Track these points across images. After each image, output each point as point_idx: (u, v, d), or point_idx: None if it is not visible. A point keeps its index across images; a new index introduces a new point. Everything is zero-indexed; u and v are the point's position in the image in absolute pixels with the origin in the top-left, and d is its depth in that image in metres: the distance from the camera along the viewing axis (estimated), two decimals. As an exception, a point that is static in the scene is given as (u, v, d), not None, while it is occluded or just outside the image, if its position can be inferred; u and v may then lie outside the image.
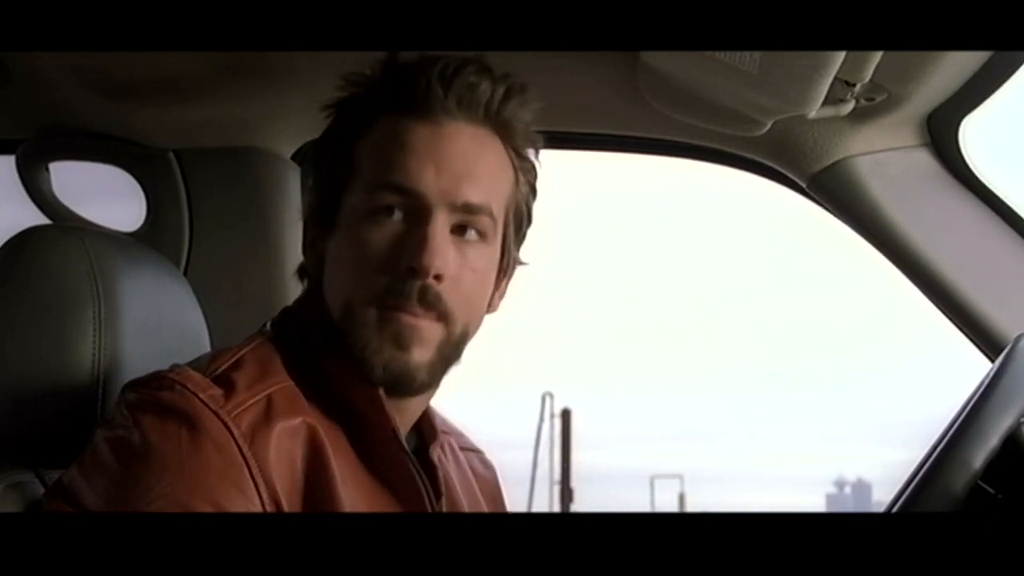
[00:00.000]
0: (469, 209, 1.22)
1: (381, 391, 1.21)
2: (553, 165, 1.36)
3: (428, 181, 1.20)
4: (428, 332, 1.21)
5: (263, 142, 1.91)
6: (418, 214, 1.21)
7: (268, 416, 1.17)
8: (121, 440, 1.14)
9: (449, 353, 1.24)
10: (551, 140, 1.37)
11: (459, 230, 1.23)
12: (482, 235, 1.24)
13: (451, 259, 1.21)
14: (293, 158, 1.95)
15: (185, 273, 1.88)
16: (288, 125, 1.88)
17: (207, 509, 1.09)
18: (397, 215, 1.21)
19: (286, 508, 1.15)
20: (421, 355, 1.21)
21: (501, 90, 1.24)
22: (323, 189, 1.28)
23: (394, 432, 1.22)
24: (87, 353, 1.31)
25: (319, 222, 1.28)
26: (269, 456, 1.15)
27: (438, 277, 1.20)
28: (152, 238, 1.90)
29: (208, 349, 1.52)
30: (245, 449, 1.13)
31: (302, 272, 1.32)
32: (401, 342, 1.20)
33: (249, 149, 1.91)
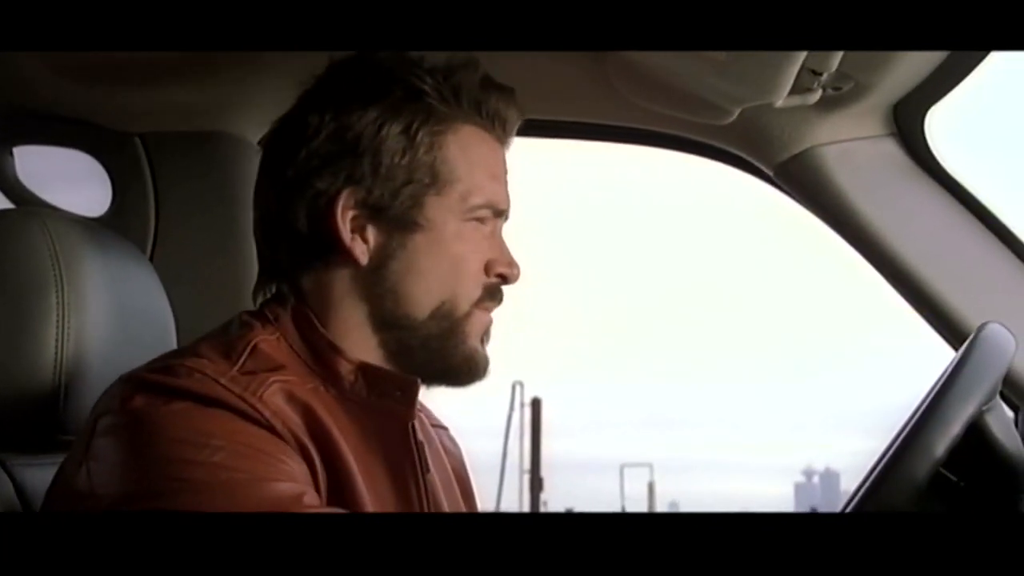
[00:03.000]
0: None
1: (418, 381, 1.28)
2: (520, 153, 1.40)
3: (508, 200, 1.35)
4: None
5: (230, 127, 1.90)
6: (497, 225, 1.34)
7: (290, 396, 1.20)
8: (147, 429, 1.13)
9: None
10: (519, 127, 1.38)
11: None
12: None
13: None
14: (260, 143, 1.93)
15: (151, 259, 1.86)
16: (255, 110, 1.87)
17: (254, 479, 1.11)
18: (487, 225, 1.32)
19: (321, 483, 1.18)
20: None
21: None
22: (387, 179, 1.28)
23: (412, 429, 1.27)
24: (50, 339, 1.30)
25: (381, 211, 1.28)
26: (297, 432, 1.18)
27: None
28: (118, 223, 1.88)
29: (174, 335, 1.51)
30: (278, 425, 1.16)
31: (267, 274, 1.33)
32: (485, 339, 1.33)
33: (216, 134, 1.90)
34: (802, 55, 1.39)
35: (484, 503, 1.56)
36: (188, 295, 1.69)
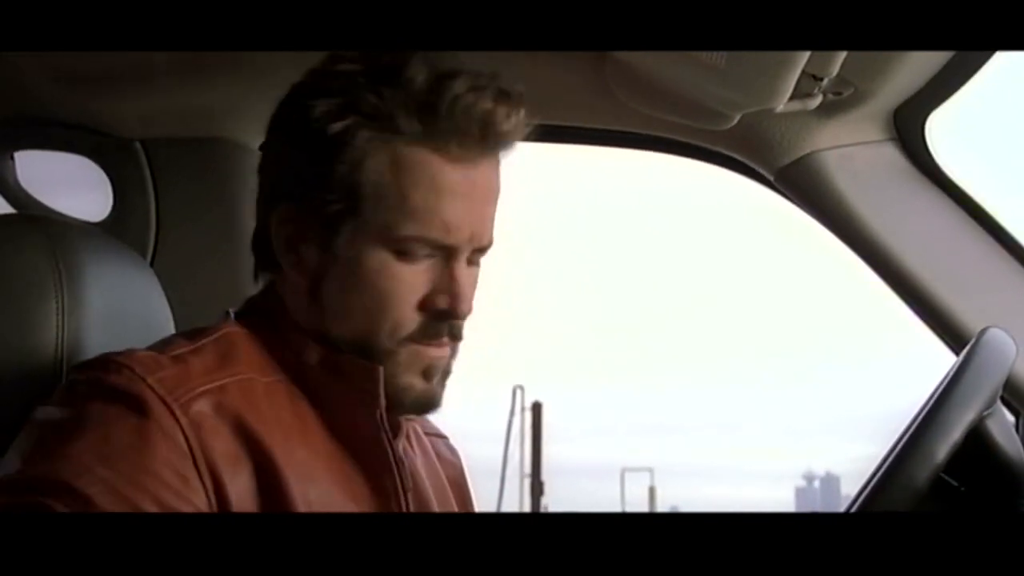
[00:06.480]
0: (483, 250, 1.25)
1: (381, 370, 1.21)
2: (522, 158, 1.36)
3: (462, 233, 1.21)
4: (447, 359, 1.26)
5: (230, 133, 1.90)
6: (447, 258, 1.22)
7: (220, 405, 1.16)
8: (63, 423, 1.12)
9: (452, 365, 1.28)
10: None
11: (470, 261, 1.25)
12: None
13: (472, 294, 1.24)
14: (261, 148, 1.93)
15: (152, 264, 1.87)
16: (255, 116, 1.85)
17: (147, 500, 1.08)
18: (426, 258, 1.21)
19: (233, 503, 1.13)
20: (439, 380, 1.26)
21: (517, 117, 1.22)
22: (313, 204, 1.21)
23: (381, 419, 1.22)
24: (50, 344, 1.30)
25: (307, 232, 1.23)
26: (216, 446, 1.13)
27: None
28: (119, 228, 1.89)
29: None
30: (191, 437, 1.12)
31: (264, 266, 1.30)
32: (429, 375, 1.24)
33: (216, 139, 1.90)
34: (802, 60, 1.39)
35: (485, 508, 1.55)
36: (188, 300, 1.69)
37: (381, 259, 1.20)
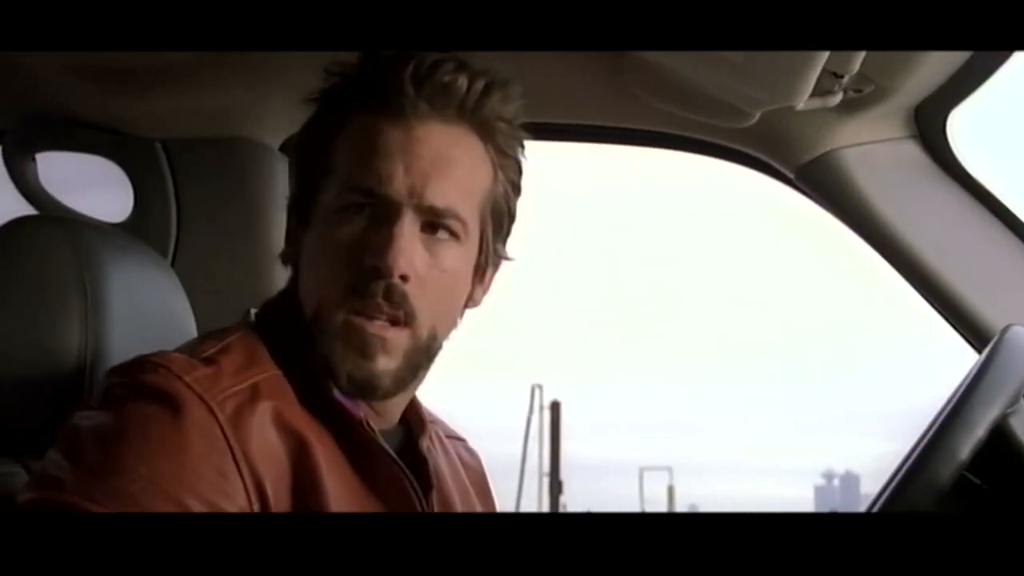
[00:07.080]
0: (435, 212, 1.21)
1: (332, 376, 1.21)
2: (540, 156, 1.35)
3: (396, 184, 1.19)
4: (395, 341, 1.21)
5: (250, 132, 1.90)
6: (386, 214, 1.20)
7: (253, 403, 1.16)
8: (103, 424, 1.12)
9: (419, 360, 1.24)
10: (538, 131, 1.35)
11: (430, 228, 1.21)
12: (454, 235, 1.23)
13: (418, 259, 1.20)
14: (280, 148, 1.94)
15: (172, 263, 1.87)
16: (275, 115, 1.88)
17: (189, 495, 1.08)
18: (365, 214, 1.20)
19: (271, 497, 1.14)
20: (386, 364, 1.21)
21: (479, 86, 1.22)
22: (301, 181, 1.28)
23: (362, 424, 1.21)
24: (74, 344, 1.31)
25: (297, 214, 1.27)
26: (253, 443, 1.14)
27: (404, 277, 1.19)
28: (139, 228, 1.90)
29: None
30: (230, 434, 1.13)
31: (285, 258, 1.31)
32: (367, 351, 1.20)
33: (236, 139, 1.91)
34: (823, 58, 1.39)
35: (503, 507, 1.54)
36: (209, 299, 1.69)
37: (328, 220, 1.22)
